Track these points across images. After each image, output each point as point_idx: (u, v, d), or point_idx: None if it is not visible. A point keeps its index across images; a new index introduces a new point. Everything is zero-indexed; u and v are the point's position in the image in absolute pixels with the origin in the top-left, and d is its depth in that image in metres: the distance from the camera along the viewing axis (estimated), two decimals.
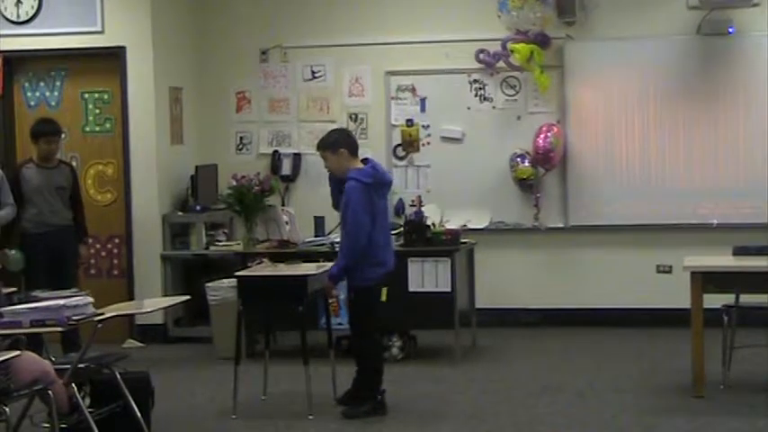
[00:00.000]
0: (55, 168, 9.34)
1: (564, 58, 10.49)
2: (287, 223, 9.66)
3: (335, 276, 7.58)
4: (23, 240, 9.17)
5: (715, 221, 10.23)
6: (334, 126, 10.77)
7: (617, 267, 10.48)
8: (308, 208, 10.16)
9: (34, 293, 7.14)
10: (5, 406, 5.84)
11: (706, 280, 7.63)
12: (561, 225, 10.58)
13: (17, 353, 5.73)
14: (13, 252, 9.01)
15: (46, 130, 9.26)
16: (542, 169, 10.44)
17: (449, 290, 9.08)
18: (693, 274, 7.66)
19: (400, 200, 10.66)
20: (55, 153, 9.35)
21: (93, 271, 10.43)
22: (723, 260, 8.00)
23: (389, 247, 7.74)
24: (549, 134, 10.31)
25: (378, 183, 7.50)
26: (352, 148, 7.60)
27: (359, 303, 7.60)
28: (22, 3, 10.26)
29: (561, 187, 10.55)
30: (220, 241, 10.45)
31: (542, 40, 10.35)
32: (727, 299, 7.97)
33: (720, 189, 10.25)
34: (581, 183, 10.49)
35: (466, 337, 9.51)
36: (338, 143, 7.58)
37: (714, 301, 7.79)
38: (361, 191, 7.39)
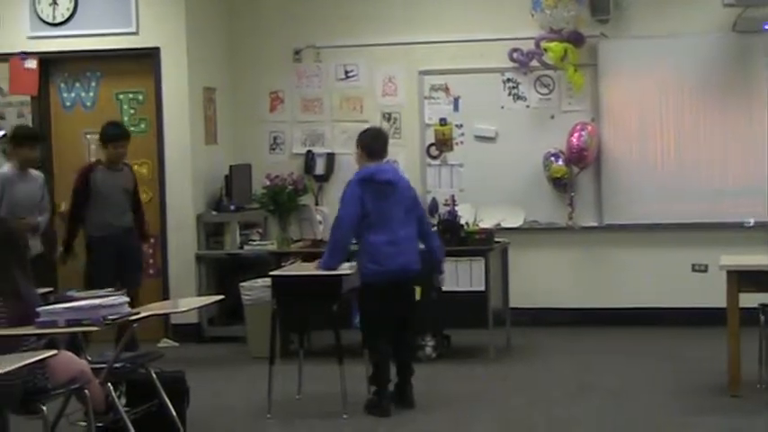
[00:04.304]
0: (121, 171, 9.35)
1: (598, 56, 10.45)
2: (320, 223, 9.69)
3: (321, 267, 7.67)
4: (90, 242, 9.19)
5: (751, 220, 10.16)
6: (368, 125, 10.83)
7: (652, 266, 10.44)
8: None
9: (69, 293, 7.18)
10: (43, 404, 5.88)
11: (742, 279, 7.59)
12: (595, 224, 10.54)
13: (54, 352, 5.76)
14: (77, 254, 9.18)
15: (115, 135, 9.26)
16: (576, 168, 10.41)
17: (482, 289, 9.08)
18: (729, 272, 7.62)
19: (434, 199, 10.65)
20: (123, 157, 9.35)
21: None
22: (759, 259, 7.95)
23: (395, 249, 7.60)
24: (582, 133, 10.28)
25: (372, 181, 7.59)
26: (369, 150, 7.74)
27: (358, 299, 7.78)
28: (57, 4, 10.32)
29: (595, 186, 10.52)
30: (254, 241, 10.47)
31: (576, 39, 10.32)
32: (764, 298, 7.91)
33: (756, 187, 10.16)
34: (615, 181, 10.45)
35: (500, 337, 9.50)
36: (359, 141, 7.84)
37: (750, 300, 7.74)
38: (352, 186, 7.62)
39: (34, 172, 9.04)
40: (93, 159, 9.51)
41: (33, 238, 9.01)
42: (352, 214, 7.57)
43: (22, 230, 6.66)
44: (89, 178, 9.21)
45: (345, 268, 7.77)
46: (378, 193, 7.61)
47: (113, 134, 9.28)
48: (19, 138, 8.98)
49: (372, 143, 7.79)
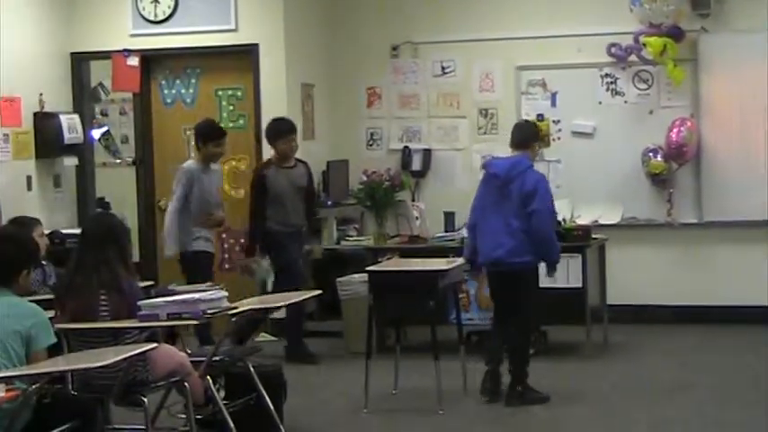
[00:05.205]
0: (294, 168, 9.37)
1: (698, 51, 10.32)
2: (417, 218, 9.69)
3: None
4: (269, 239, 9.24)
5: None
6: (465, 121, 10.86)
7: (752, 264, 10.26)
8: (438, 203, 10.18)
9: (170, 287, 7.28)
10: (144, 396, 5.98)
11: None
12: (695, 220, 10.41)
13: (155, 345, 5.86)
14: (265, 262, 9.22)
15: (283, 130, 9.31)
16: (675, 164, 10.29)
17: (580, 286, 9.03)
18: None
19: None
20: (294, 151, 9.40)
21: (227, 265, 10.58)
22: None
23: (488, 239, 7.77)
24: (682, 128, 10.16)
25: (485, 171, 7.95)
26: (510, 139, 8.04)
27: None
28: (159, 2, 10.45)
29: (695, 182, 10.39)
30: (351, 236, 10.52)
31: (676, 33, 10.20)
32: None
33: None
34: (715, 177, 10.31)
35: (597, 334, 9.43)
36: None
37: None
38: None
39: (214, 165, 9.14)
40: (267, 158, 9.50)
41: (212, 232, 9.15)
42: (474, 200, 7.97)
43: (124, 225, 6.75)
44: (264, 179, 9.25)
45: (442, 264, 7.82)
46: (487, 184, 7.84)
47: (282, 129, 9.31)
48: (206, 134, 9.04)
49: (511, 133, 8.06)
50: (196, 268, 8.78)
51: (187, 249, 8.92)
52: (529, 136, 7.97)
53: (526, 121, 8.64)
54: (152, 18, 10.49)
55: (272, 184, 9.23)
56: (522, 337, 7.87)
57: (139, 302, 6.15)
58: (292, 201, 9.28)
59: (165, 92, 10.81)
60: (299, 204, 9.33)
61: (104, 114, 12.22)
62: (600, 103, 10.58)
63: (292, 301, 7.51)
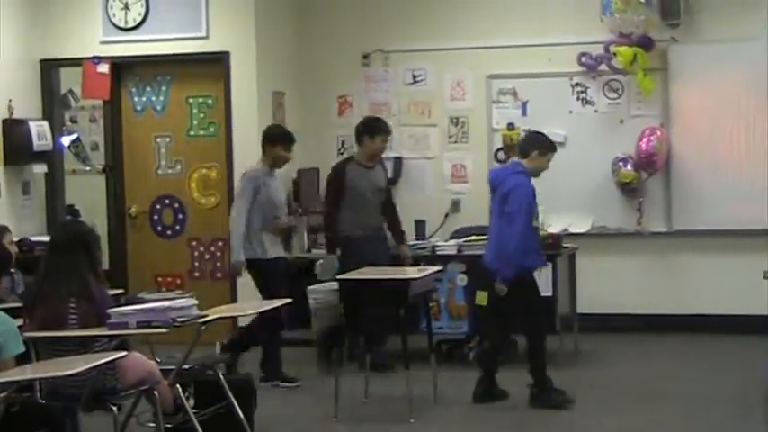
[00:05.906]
0: (373, 168, 9.23)
1: (668, 60, 10.37)
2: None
3: None
4: (343, 243, 9.07)
5: None
6: (435, 129, 10.87)
7: (722, 273, 10.32)
8: (409, 211, 10.16)
9: (140, 295, 7.25)
10: (113, 405, 5.95)
11: None
12: (665, 230, 10.45)
13: (124, 353, 5.83)
14: (335, 259, 8.99)
15: (384, 128, 9.20)
16: (645, 173, 10.33)
17: (550, 294, 9.04)
18: None
19: None
20: (383, 152, 9.32)
21: (197, 273, 10.55)
22: None
23: (487, 245, 8.01)
24: (652, 138, 10.20)
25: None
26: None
27: None
28: (129, 9, 10.42)
29: (665, 191, 10.43)
30: (322, 244, 10.47)
31: (646, 43, 10.25)
32: None
33: None
34: (685, 187, 10.35)
35: (568, 343, 9.44)
36: None
37: None
38: None
39: (278, 171, 8.98)
40: (345, 156, 9.35)
41: (281, 240, 8.97)
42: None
43: (94, 232, 6.71)
44: (344, 176, 9.10)
45: (413, 272, 7.82)
46: (493, 195, 8.02)
47: (382, 127, 9.18)
48: (277, 137, 8.90)
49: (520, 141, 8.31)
50: (274, 275, 8.67)
51: (260, 257, 8.69)
52: (525, 144, 8.13)
53: (532, 131, 8.75)
54: (122, 25, 10.44)
55: (351, 183, 9.07)
56: (532, 341, 7.94)
57: (109, 310, 6.11)
58: (370, 201, 9.11)
59: (136, 99, 10.76)
60: (375, 205, 9.16)
61: (74, 121, 12.16)
62: (570, 112, 10.61)
63: (261, 309, 7.48)
